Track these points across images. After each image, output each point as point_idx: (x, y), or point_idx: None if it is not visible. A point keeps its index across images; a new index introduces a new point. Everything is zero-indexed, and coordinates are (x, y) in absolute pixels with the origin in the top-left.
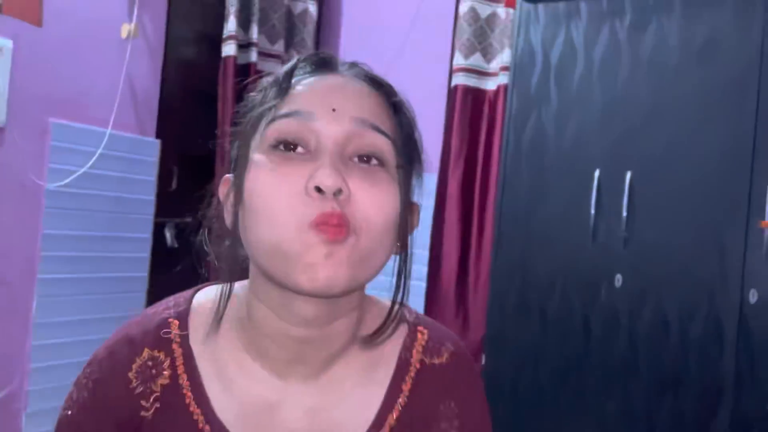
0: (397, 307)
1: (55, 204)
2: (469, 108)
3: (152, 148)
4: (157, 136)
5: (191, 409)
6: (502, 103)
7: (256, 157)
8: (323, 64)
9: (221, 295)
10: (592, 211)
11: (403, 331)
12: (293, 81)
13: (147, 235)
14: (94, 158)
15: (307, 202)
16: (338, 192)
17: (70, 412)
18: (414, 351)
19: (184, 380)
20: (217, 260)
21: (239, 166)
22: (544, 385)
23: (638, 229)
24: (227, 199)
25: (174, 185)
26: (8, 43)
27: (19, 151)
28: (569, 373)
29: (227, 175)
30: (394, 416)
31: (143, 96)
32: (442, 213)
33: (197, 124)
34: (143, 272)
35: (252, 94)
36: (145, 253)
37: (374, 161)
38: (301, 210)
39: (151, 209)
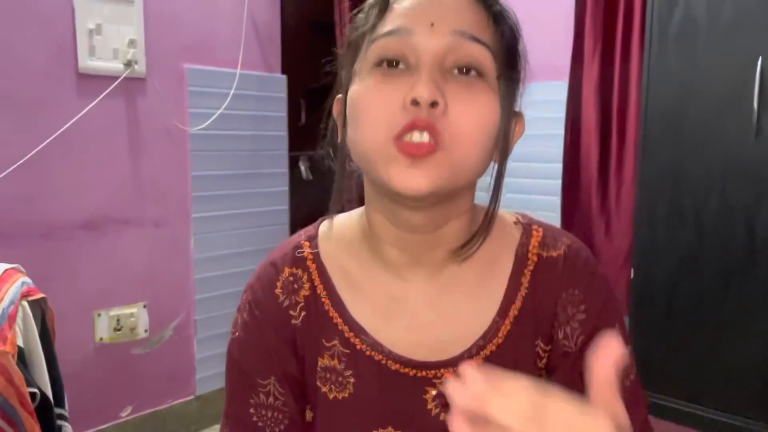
0: (491, 211)
1: (199, 146)
2: (602, 4)
3: (280, 83)
4: (283, 71)
5: (330, 313)
6: None
7: (360, 75)
8: None
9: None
10: (755, 105)
11: (518, 230)
12: None
13: (284, 169)
14: (228, 99)
15: (402, 114)
16: (434, 104)
17: (237, 333)
18: (530, 246)
19: (321, 290)
20: (338, 180)
21: (346, 86)
22: (703, 296)
23: None
24: (339, 118)
25: (303, 119)
26: None
27: (161, 99)
28: (731, 282)
29: (339, 95)
30: (517, 305)
31: (266, 33)
32: (577, 120)
33: (318, 55)
34: (284, 205)
35: (358, 15)
36: (284, 187)
37: (473, 72)
38: (395, 120)
39: (284, 144)
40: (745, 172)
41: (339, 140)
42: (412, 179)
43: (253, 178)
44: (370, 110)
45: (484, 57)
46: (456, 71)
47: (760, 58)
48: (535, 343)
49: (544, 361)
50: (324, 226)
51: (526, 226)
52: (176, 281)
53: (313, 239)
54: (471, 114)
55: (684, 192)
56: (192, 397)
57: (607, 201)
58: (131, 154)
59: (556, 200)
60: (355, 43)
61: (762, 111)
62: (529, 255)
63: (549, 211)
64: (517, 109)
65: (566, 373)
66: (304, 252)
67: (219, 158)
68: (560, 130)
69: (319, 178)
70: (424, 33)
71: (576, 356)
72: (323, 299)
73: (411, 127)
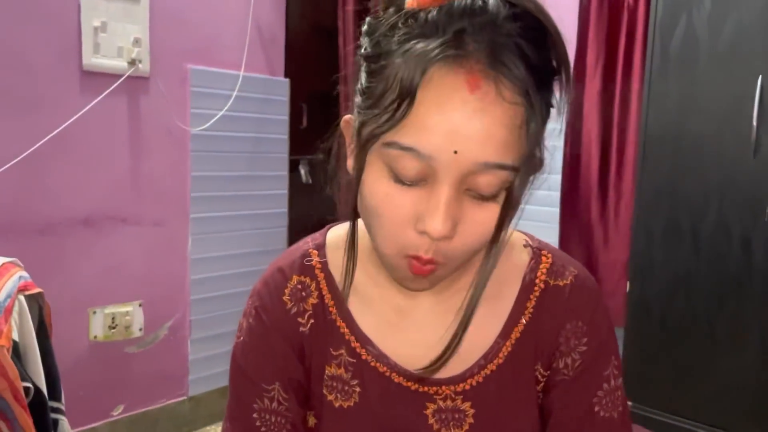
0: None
1: (200, 147)
2: (606, 18)
3: (282, 87)
4: (286, 75)
5: (338, 323)
6: (644, 9)
7: (372, 165)
8: (457, 43)
9: (352, 227)
10: (754, 123)
11: (527, 254)
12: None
13: (284, 172)
14: (231, 101)
15: (410, 237)
16: (442, 239)
17: (243, 338)
18: (539, 272)
19: (329, 299)
20: (339, 196)
21: (358, 147)
22: (697, 313)
23: None
24: (348, 139)
25: (305, 122)
26: None
27: (164, 99)
28: (726, 298)
29: (347, 117)
30: (519, 329)
31: (270, 36)
32: (579, 133)
33: (321, 60)
34: (283, 208)
35: (377, 35)
36: (283, 190)
37: (489, 195)
38: (403, 242)
39: (285, 147)
40: (743, 190)
41: (351, 171)
42: (414, 285)
43: (253, 180)
44: (382, 222)
45: (506, 178)
46: (473, 193)
47: (760, 77)
48: (534, 367)
49: (542, 384)
50: (332, 234)
51: (536, 251)
52: (173, 281)
53: (321, 248)
54: (476, 234)
55: (681, 208)
56: (185, 397)
57: (606, 213)
58: (132, 152)
59: (555, 211)
60: (373, 72)
61: (761, 129)
62: (537, 281)
63: (547, 222)
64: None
65: (559, 396)
66: (312, 261)
67: (219, 159)
68: (560, 142)
69: (318, 182)
70: (446, 161)
71: (570, 381)
72: (331, 308)
73: (417, 259)
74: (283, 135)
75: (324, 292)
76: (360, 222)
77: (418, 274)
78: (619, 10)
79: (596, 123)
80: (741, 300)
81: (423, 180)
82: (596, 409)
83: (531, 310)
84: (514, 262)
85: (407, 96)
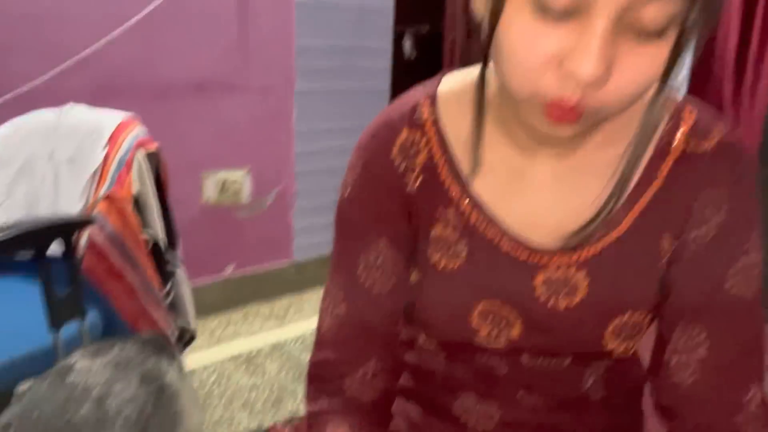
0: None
1: (305, 15)
2: None
3: None
4: None
5: (447, 183)
6: None
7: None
8: None
9: (481, 79)
10: None
11: (666, 111)
12: None
13: (387, 45)
14: None
15: (554, 78)
16: (594, 84)
17: (347, 193)
18: (679, 132)
19: (438, 157)
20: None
21: None
22: None
23: None
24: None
25: None
26: None
27: None
28: None
29: None
30: (648, 197)
31: None
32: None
33: None
34: (385, 84)
35: None
36: (386, 64)
37: (653, 34)
38: (544, 86)
39: (390, 16)
40: None
41: (483, 41)
42: (556, 131)
43: (356, 53)
44: (518, 62)
45: (677, 8)
46: (635, 28)
47: None
48: (661, 238)
49: (668, 256)
50: (445, 84)
51: (679, 105)
52: (279, 150)
53: (433, 99)
54: (637, 79)
55: None
56: (290, 261)
57: (740, 97)
58: (239, 19)
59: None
60: None
61: None
62: (675, 143)
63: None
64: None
65: (687, 268)
66: (423, 114)
67: (324, 29)
68: None
69: (424, 56)
70: None
71: (703, 252)
72: (441, 168)
73: (559, 105)
74: (388, 3)
75: (434, 150)
76: (476, 71)
77: (556, 121)
78: None
79: None
80: None
81: (575, 11)
82: (728, 285)
83: (664, 177)
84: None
85: None
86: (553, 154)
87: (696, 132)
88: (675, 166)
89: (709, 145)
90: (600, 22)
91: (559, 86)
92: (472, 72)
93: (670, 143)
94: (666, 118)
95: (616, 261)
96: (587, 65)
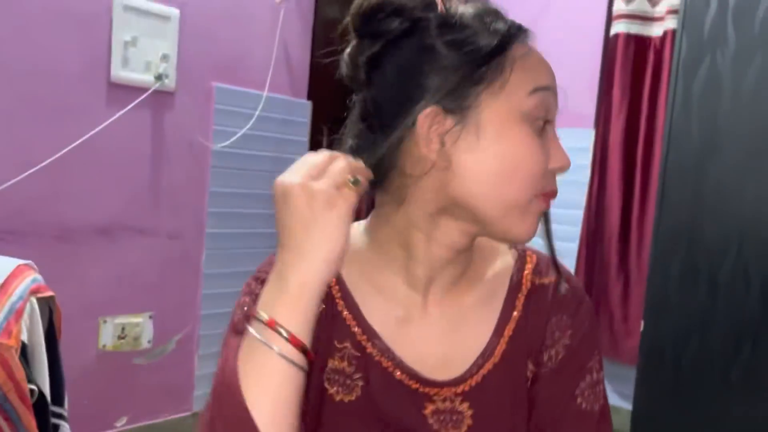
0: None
1: (220, 163)
2: (632, 57)
3: (305, 109)
4: (308, 97)
5: (344, 314)
6: (669, 49)
7: (504, 123)
8: (520, 28)
9: (370, 222)
10: None
11: (512, 256)
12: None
13: None
14: (253, 120)
15: (546, 176)
16: None
17: (237, 314)
18: (525, 272)
19: (336, 291)
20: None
21: (445, 94)
22: (712, 356)
23: None
24: (434, 131)
25: (324, 145)
26: (175, 12)
27: (187, 114)
28: (742, 345)
29: (432, 108)
30: (511, 326)
31: (295, 59)
32: (603, 171)
33: (345, 84)
34: None
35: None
36: None
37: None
38: (542, 182)
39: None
40: (763, 234)
41: (433, 160)
42: (532, 228)
43: (271, 199)
44: (526, 173)
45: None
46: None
47: None
48: (526, 364)
49: (531, 378)
50: None
51: (521, 252)
52: (184, 295)
53: None
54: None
55: (699, 251)
56: (189, 413)
57: (628, 251)
58: (153, 165)
59: (573, 246)
60: (466, 53)
61: None
62: (524, 281)
63: (564, 257)
64: None
65: (543, 387)
66: None
67: (239, 177)
68: (582, 177)
69: None
70: (555, 91)
71: (554, 372)
72: (338, 300)
73: (553, 192)
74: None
75: (332, 284)
76: (361, 223)
77: (546, 207)
78: (645, 50)
79: (619, 161)
80: (757, 346)
81: (546, 121)
82: (578, 401)
83: (520, 308)
84: (502, 264)
85: (504, 39)
86: (439, 291)
87: (538, 270)
88: (527, 298)
89: (549, 280)
90: (553, 128)
91: (549, 180)
92: (358, 225)
93: (520, 280)
94: (512, 261)
95: (494, 390)
96: (567, 158)
